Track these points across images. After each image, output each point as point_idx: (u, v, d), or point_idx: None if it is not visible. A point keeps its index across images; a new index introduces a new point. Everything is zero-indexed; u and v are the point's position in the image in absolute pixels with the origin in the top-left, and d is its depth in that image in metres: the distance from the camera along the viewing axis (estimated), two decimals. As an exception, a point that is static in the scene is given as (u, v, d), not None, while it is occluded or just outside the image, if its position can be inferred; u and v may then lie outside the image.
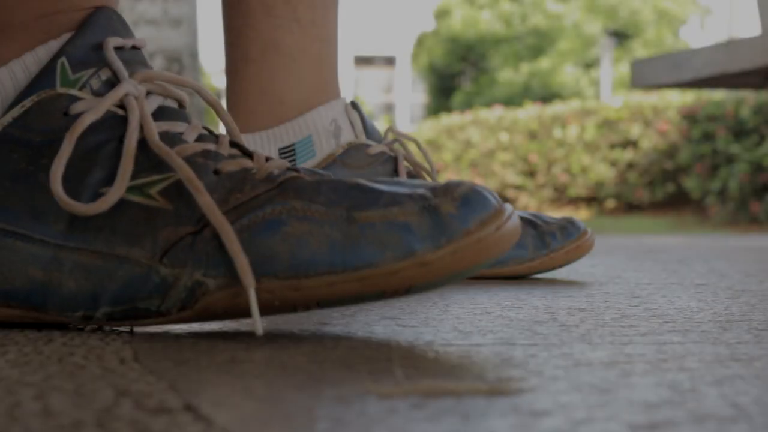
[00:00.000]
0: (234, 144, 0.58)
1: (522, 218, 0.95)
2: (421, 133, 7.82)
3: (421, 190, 0.52)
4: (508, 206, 0.53)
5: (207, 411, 0.35)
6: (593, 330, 0.57)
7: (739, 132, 5.94)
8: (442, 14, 13.05)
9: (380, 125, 11.52)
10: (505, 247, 0.52)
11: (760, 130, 5.83)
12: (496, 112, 7.43)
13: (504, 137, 7.14)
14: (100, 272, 0.54)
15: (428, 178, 0.94)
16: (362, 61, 15.79)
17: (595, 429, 0.33)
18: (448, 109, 11.78)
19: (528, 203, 6.96)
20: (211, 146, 0.56)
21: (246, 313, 0.52)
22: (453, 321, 0.61)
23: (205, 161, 0.55)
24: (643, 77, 2.18)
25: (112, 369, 0.44)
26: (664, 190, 6.74)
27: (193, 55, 2.84)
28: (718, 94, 6.22)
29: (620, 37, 12.91)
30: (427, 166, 0.94)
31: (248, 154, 0.57)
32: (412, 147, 1.14)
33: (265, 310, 0.52)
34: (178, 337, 0.54)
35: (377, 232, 0.51)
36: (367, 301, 0.52)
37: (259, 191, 0.53)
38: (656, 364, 0.45)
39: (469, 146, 7.33)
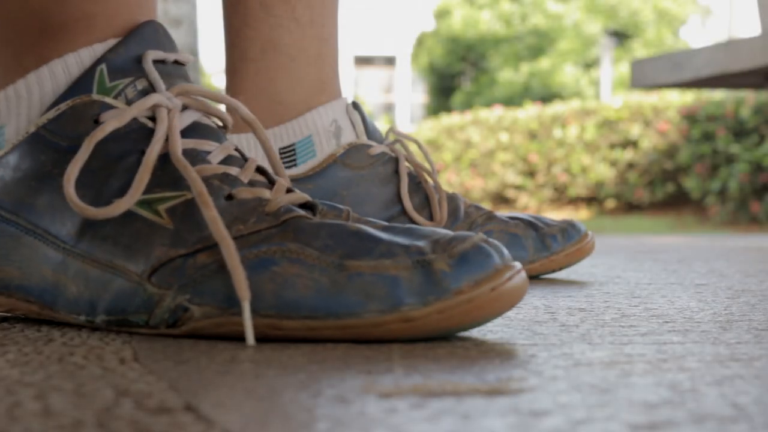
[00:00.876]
0: (261, 170, 0.58)
1: (522, 220, 0.95)
2: (421, 133, 7.82)
3: (421, 243, 0.51)
4: (515, 265, 0.52)
5: (207, 411, 0.35)
6: (593, 330, 0.57)
7: (739, 132, 5.94)
8: (442, 14, 13.05)
9: (380, 125, 11.52)
10: (503, 307, 0.51)
11: (760, 130, 5.83)
12: (496, 112, 7.43)
13: (504, 137, 7.14)
14: (97, 281, 0.55)
15: (429, 179, 0.94)
16: (362, 61, 15.79)
17: (595, 429, 0.33)
18: (448, 109, 11.78)
19: (528, 203, 6.96)
20: (233, 170, 0.56)
21: (234, 337, 0.52)
22: (453, 321, 0.61)
23: (220, 184, 0.55)
24: (643, 77, 2.18)
25: (112, 369, 0.44)
26: (664, 190, 6.74)
27: (193, 55, 2.84)
28: (718, 94, 6.23)
29: (620, 37, 12.91)
30: (427, 166, 0.94)
31: (270, 182, 0.57)
32: (413, 147, 1.14)
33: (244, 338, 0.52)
34: (178, 337, 0.54)
35: (364, 283, 0.50)
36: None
37: (262, 227, 0.53)
38: (656, 364, 0.45)
39: (469, 146, 7.33)
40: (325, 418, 0.34)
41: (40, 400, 0.37)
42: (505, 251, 0.53)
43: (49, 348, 0.50)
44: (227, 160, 0.57)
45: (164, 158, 0.55)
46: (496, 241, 0.53)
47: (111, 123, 0.55)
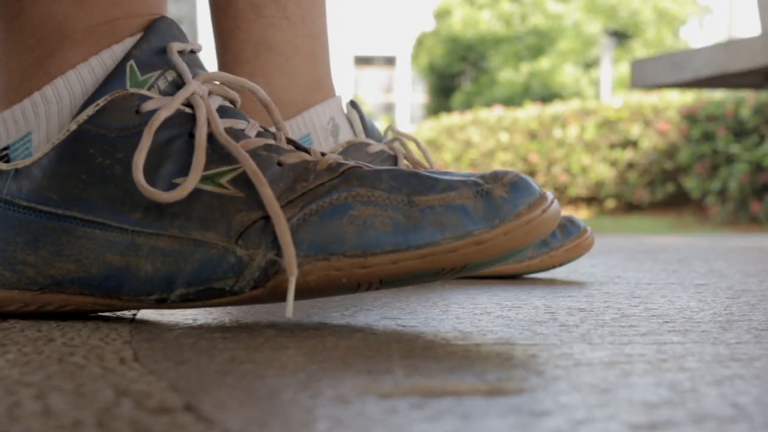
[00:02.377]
0: (289, 141, 0.62)
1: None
2: (421, 133, 7.82)
3: (472, 178, 0.57)
4: (549, 194, 0.58)
5: (207, 411, 0.35)
6: (593, 330, 0.57)
7: (739, 132, 5.94)
8: (442, 14, 13.05)
9: (380, 125, 11.52)
10: (549, 228, 0.57)
11: (760, 130, 5.83)
12: (496, 112, 7.43)
13: (504, 137, 7.14)
14: (176, 255, 0.57)
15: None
16: (362, 61, 15.79)
17: (595, 429, 0.33)
18: (448, 109, 11.78)
19: (528, 203, 6.95)
20: (271, 141, 0.60)
21: (312, 294, 0.57)
22: (453, 321, 0.61)
23: (268, 154, 0.59)
24: (643, 77, 2.18)
25: (112, 369, 0.44)
26: (664, 190, 6.74)
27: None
28: (718, 94, 6.22)
29: (620, 37, 12.91)
30: (426, 165, 0.94)
31: (304, 149, 0.61)
32: (411, 146, 1.14)
33: (332, 288, 0.56)
34: (178, 337, 0.54)
35: (437, 214, 0.56)
36: (425, 279, 0.57)
37: (324, 180, 0.57)
38: (656, 364, 0.45)
39: (469, 146, 7.33)
40: (325, 418, 0.34)
41: (40, 400, 0.37)
42: (536, 183, 0.58)
43: (49, 348, 0.50)
44: (260, 135, 0.61)
45: (209, 138, 0.59)
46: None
47: (163, 112, 0.58)
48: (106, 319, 0.62)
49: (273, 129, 0.87)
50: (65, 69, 0.61)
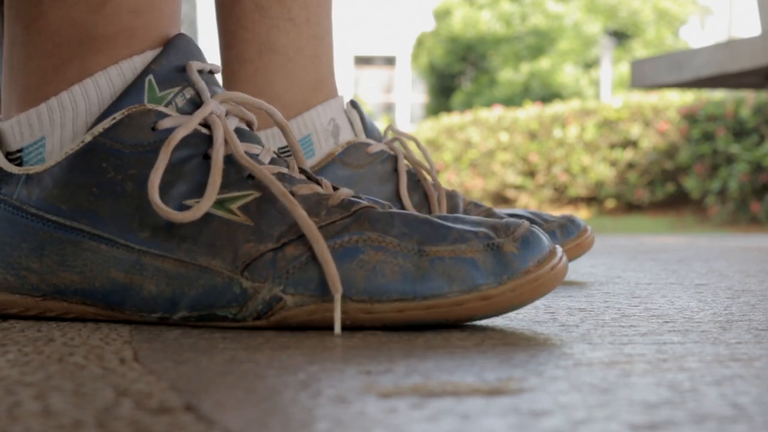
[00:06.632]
0: (300, 169, 0.62)
1: (522, 217, 0.95)
2: (421, 133, 7.82)
3: (484, 229, 0.57)
4: (558, 248, 0.58)
5: (207, 411, 0.35)
6: (593, 330, 0.57)
7: (739, 132, 5.94)
8: (442, 14, 13.05)
9: (380, 125, 11.51)
10: (557, 285, 0.57)
11: (760, 130, 5.83)
12: (496, 112, 7.42)
13: (504, 137, 7.14)
14: (181, 279, 0.57)
15: (428, 177, 0.94)
16: (362, 61, 15.79)
17: (595, 429, 0.33)
18: (448, 109, 11.78)
19: (528, 203, 6.96)
20: (284, 169, 0.60)
21: (318, 327, 0.56)
22: (453, 321, 0.61)
23: (281, 183, 0.58)
24: (643, 77, 2.18)
25: (112, 369, 0.44)
26: (664, 190, 6.73)
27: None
28: (718, 94, 6.22)
29: (620, 37, 12.91)
30: (426, 164, 0.94)
31: (315, 180, 0.61)
32: (411, 146, 1.14)
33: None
34: (178, 337, 0.54)
35: (446, 266, 0.55)
36: (429, 324, 0.56)
37: (335, 218, 0.57)
38: (656, 364, 0.45)
39: (469, 146, 7.33)
40: (325, 418, 0.34)
41: (40, 400, 0.37)
42: (547, 235, 0.58)
43: (49, 348, 0.50)
44: (273, 161, 0.61)
45: (226, 160, 0.58)
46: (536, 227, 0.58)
47: (180, 131, 0.58)
48: (107, 320, 0.62)
49: (271, 128, 0.88)
50: (83, 76, 0.61)
